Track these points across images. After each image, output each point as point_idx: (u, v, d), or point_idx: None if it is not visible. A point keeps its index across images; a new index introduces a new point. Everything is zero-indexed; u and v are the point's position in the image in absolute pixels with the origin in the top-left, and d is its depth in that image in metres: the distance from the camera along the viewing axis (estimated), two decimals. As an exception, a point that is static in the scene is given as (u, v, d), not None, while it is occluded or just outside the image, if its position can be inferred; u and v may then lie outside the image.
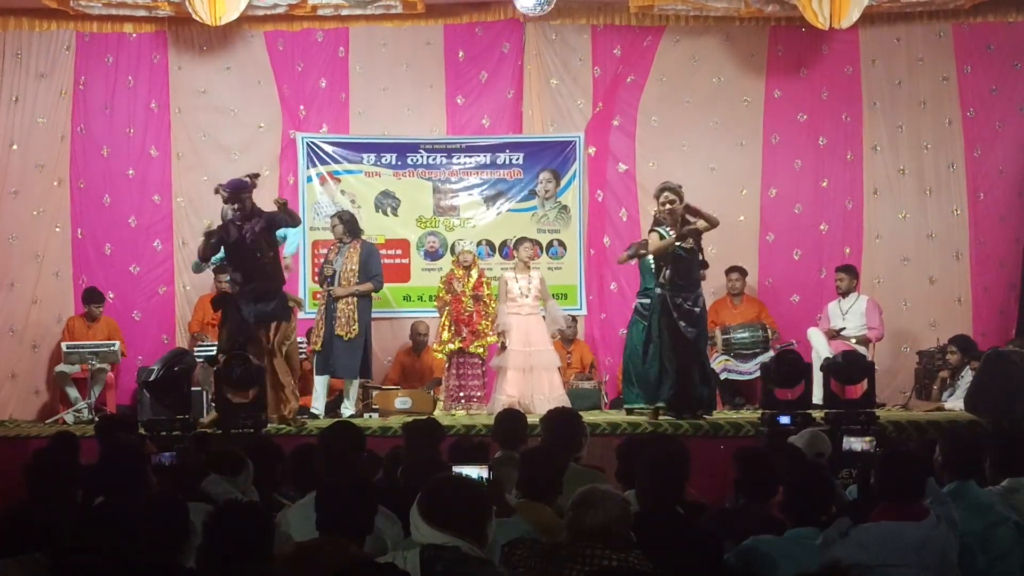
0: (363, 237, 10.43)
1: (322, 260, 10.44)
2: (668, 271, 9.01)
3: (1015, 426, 8.23)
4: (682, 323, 8.94)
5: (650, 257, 9.39)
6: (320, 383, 10.06)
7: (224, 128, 11.57)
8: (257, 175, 9.39)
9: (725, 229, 10.93)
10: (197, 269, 10.52)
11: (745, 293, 11.09)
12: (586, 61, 11.66)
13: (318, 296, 10.47)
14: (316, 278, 10.66)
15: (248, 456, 5.30)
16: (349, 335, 9.94)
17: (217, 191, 9.12)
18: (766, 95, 11.62)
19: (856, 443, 6.94)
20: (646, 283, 9.64)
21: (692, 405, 9.01)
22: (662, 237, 9.07)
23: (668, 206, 9.09)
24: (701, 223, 9.13)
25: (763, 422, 8.12)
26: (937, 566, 4.12)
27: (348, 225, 10.25)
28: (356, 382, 10.12)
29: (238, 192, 9.00)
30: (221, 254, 9.46)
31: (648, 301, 9.32)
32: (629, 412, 9.34)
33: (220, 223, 9.28)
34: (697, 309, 9.05)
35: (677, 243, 9.01)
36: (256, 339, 8.93)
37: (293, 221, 9.55)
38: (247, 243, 8.95)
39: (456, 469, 4.64)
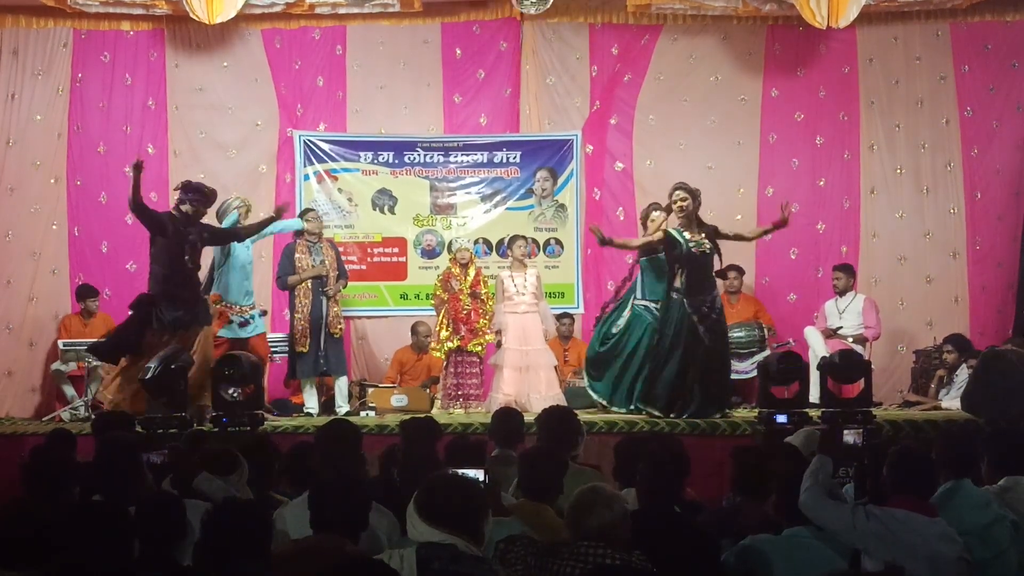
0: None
1: (303, 259, 10.13)
2: (684, 274, 9.03)
3: (1012, 425, 8.23)
4: (700, 328, 8.94)
5: (660, 258, 9.44)
6: (312, 382, 10.11)
7: (221, 126, 11.57)
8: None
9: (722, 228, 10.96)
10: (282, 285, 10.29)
11: (742, 292, 11.09)
12: (583, 60, 11.66)
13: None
14: (288, 280, 10.15)
15: (244, 454, 5.29)
16: (340, 332, 10.07)
17: (181, 188, 9.15)
18: (763, 94, 11.63)
19: (849, 436, 7.01)
20: (649, 282, 9.68)
21: (709, 407, 8.97)
22: (672, 240, 9.08)
23: (680, 203, 9.12)
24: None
25: (760, 421, 8.13)
26: (943, 561, 4.12)
27: (322, 222, 10.47)
28: (346, 378, 10.25)
29: (203, 201, 9.09)
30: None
31: (652, 304, 9.43)
32: (604, 409, 9.46)
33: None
34: (714, 315, 9.02)
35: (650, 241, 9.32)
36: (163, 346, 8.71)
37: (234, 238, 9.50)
38: (184, 245, 8.93)
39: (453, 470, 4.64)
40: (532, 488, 4.68)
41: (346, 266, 10.63)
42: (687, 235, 9.06)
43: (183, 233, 8.95)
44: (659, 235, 9.30)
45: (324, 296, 10.03)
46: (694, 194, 9.17)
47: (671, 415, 8.96)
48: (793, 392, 8.37)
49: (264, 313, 10.36)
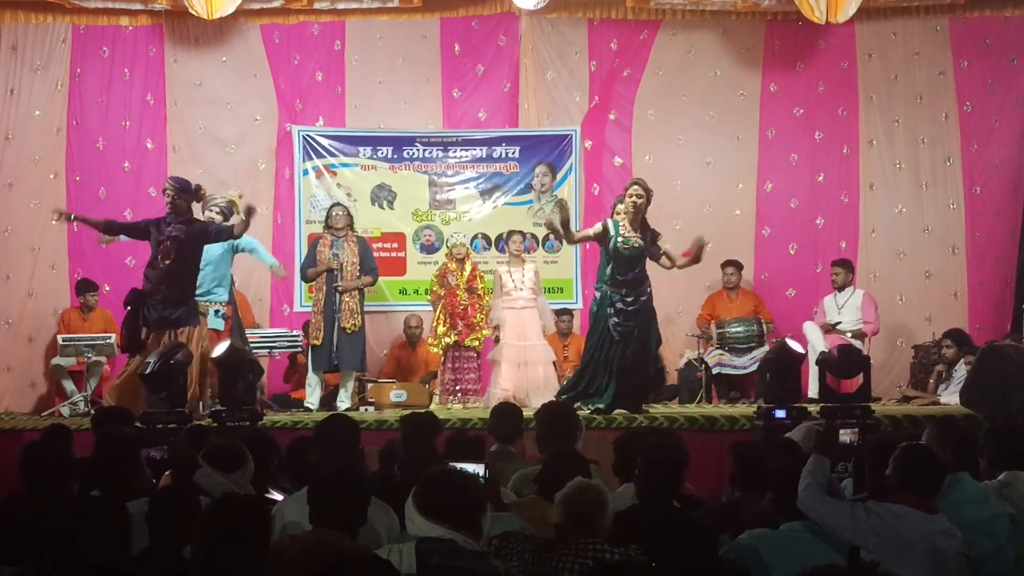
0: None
1: (323, 252, 10.15)
2: (610, 268, 8.96)
3: (1010, 420, 8.24)
4: (614, 320, 8.87)
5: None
6: (317, 378, 10.06)
7: (220, 121, 11.56)
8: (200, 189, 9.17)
9: (721, 223, 10.97)
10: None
11: (741, 287, 11.09)
12: (582, 55, 11.64)
13: (312, 289, 10.33)
14: (307, 272, 10.25)
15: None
16: (353, 328, 9.96)
17: (166, 189, 9.02)
18: (762, 89, 11.62)
19: (845, 436, 7.03)
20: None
21: (634, 400, 8.93)
22: (606, 229, 8.97)
23: (634, 199, 8.92)
24: (665, 247, 9.07)
25: (758, 416, 8.13)
26: (943, 557, 4.13)
27: (350, 217, 10.33)
28: (353, 375, 10.16)
29: (181, 192, 8.95)
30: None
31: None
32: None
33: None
34: (632, 308, 8.88)
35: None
36: (154, 344, 8.68)
37: (226, 236, 9.11)
38: (160, 245, 8.84)
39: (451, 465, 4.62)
40: (551, 490, 4.62)
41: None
42: (623, 230, 8.94)
43: (160, 232, 8.89)
44: (599, 228, 9.14)
45: (336, 290, 10.00)
46: (649, 194, 9.01)
47: (586, 408, 8.83)
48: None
49: (222, 315, 9.75)
